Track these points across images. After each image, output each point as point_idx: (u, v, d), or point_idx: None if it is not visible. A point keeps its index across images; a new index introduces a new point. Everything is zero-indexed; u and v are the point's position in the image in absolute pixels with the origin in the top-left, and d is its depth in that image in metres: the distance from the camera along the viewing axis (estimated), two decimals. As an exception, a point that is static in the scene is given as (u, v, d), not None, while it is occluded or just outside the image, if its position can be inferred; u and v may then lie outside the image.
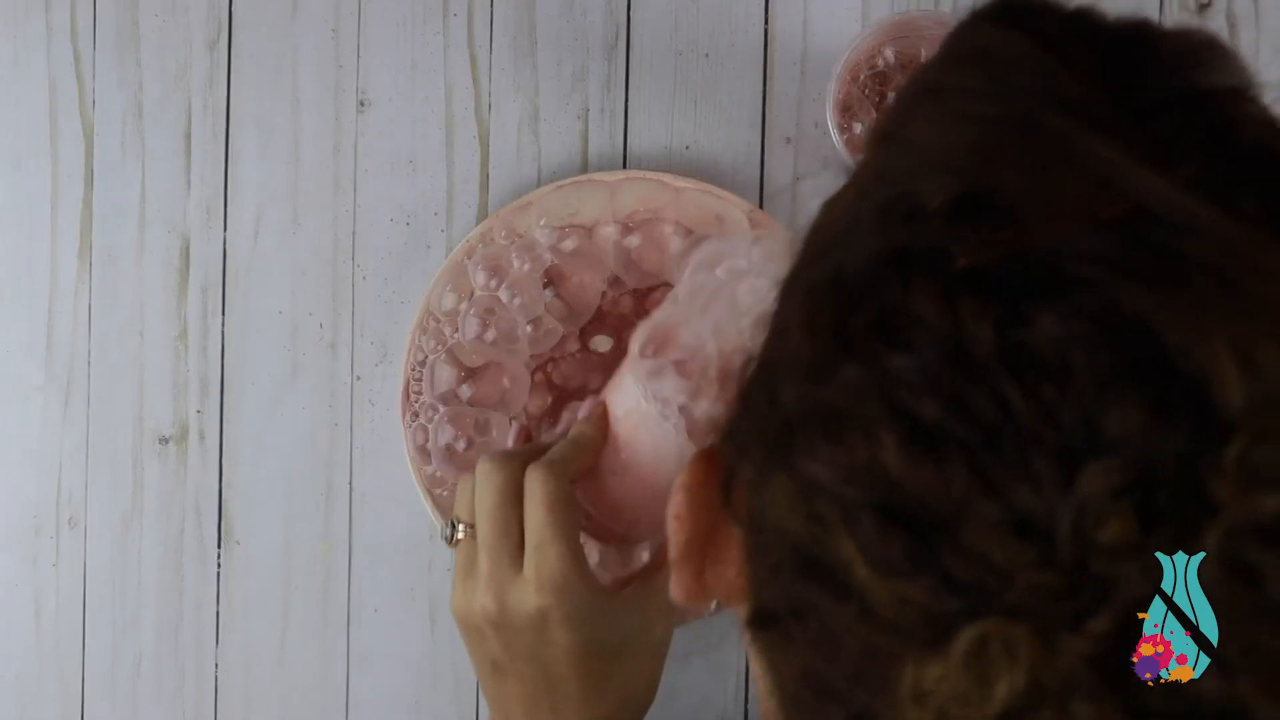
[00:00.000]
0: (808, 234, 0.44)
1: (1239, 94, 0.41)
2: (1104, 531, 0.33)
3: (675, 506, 0.46)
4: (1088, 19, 0.43)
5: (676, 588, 0.47)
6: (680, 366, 0.69)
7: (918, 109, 0.43)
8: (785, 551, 0.39)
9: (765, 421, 0.40)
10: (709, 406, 0.67)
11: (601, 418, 0.71)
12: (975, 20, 0.44)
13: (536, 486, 0.66)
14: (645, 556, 0.81)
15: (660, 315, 0.71)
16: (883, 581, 0.35)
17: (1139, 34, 0.42)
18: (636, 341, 0.71)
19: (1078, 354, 0.34)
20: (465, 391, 0.84)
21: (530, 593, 0.65)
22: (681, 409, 0.68)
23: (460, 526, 0.69)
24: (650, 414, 0.68)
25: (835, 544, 0.36)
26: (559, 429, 0.73)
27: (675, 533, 0.46)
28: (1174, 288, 0.34)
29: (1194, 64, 0.41)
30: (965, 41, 0.44)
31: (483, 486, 0.67)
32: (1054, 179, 0.37)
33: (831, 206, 0.44)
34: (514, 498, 0.67)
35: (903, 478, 0.35)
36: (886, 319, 0.37)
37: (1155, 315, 0.34)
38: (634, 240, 0.84)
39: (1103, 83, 0.40)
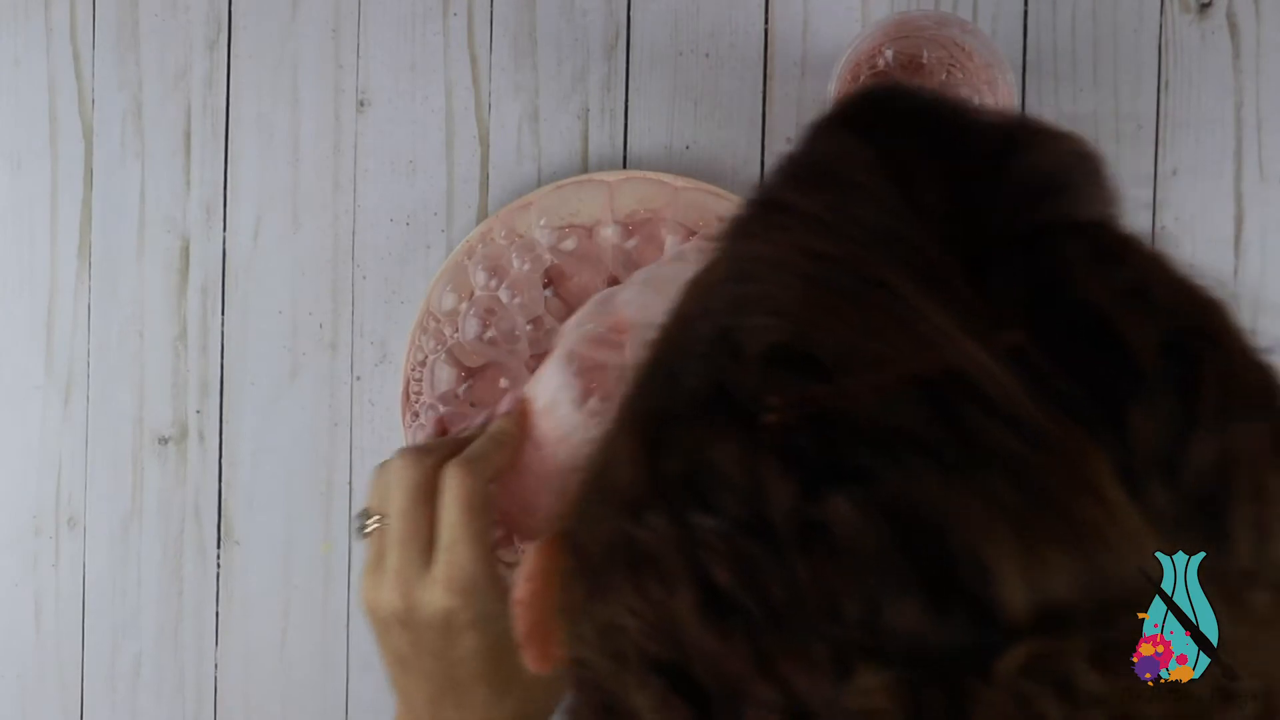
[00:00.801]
0: (667, 316, 0.44)
1: (1092, 232, 0.39)
2: None
3: (518, 593, 0.46)
4: (952, 123, 0.42)
5: (528, 659, 0.46)
6: (603, 371, 0.68)
7: (762, 221, 0.42)
8: (589, 688, 0.39)
9: (590, 541, 0.40)
10: None
11: (523, 414, 0.70)
12: (834, 121, 0.43)
13: (453, 485, 0.65)
14: None
15: (590, 310, 0.70)
16: None
17: (1004, 144, 0.41)
18: (568, 334, 0.70)
19: (866, 541, 0.33)
20: (465, 391, 0.84)
21: (438, 593, 0.65)
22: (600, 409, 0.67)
23: (372, 518, 0.68)
24: (571, 410, 0.67)
25: (630, 694, 0.36)
26: (479, 420, 0.73)
27: (518, 618, 0.46)
28: (971, 482, 0.33)
29: (1051, 190, 0.40)
30: (819, 148, 0.43)
31: (396, 482, 0.66)
32: (874, 339, 0.36)
33: (686, 297, 0.43)
34: (427, 495, 0.66)
35: (694, 642, 0.35)
36: (697, 471, 0.36)
37: (947, 510, 0.33)
38: (633, 243, 0.84)
39: (950, 211, 0.38)
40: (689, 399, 0.38)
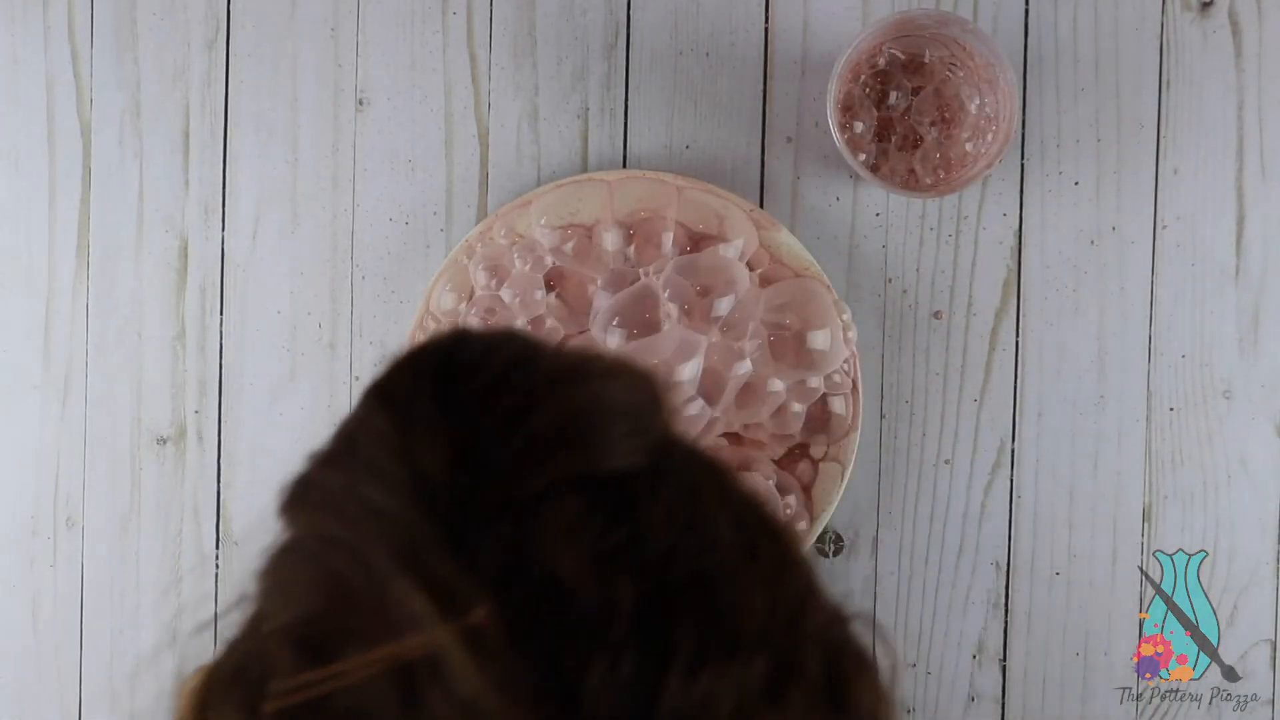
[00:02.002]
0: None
1: (589, 490, 0.40)
2: None
3: None
4: (489, 377, 0.43)
5: None
6: None
7: (297, 500, 0.44)
8: None
9: None
10: None
11: None
12: (372, 387, 0.44)
13: None
14: None
15: None
16: None
17: (527, 398, 0.41)
18: None
19: None
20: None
21: None
22: None
23: None
24: None
25: None
26: None
27: None
28: None
29: (561, 447, 0.40)
30: (353, 417, 0.44)
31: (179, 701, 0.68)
32: (359, 623, 0.37)
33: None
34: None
35: None
36: None
37: None
38: (633, 250, 0.84)
39: (452, 480, 0.39)
40: (227, 674, 0.41)
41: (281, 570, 0.42)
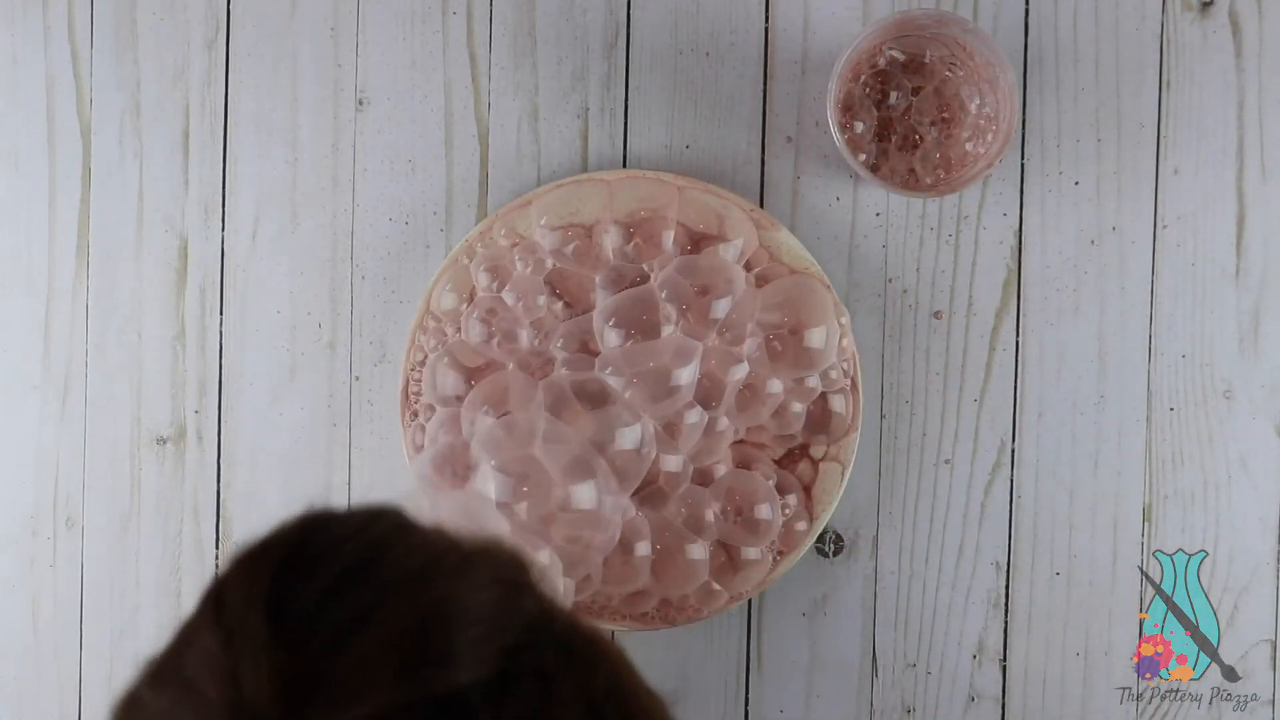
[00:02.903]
0: None
1: (396, 712, 0.39)
2: None
3: None
4: (333, 586, 0.42)
5: None
6: None
7: (127, 718, 0.43)
8: None
9: None
10: None
11: None
12: (208, 593, 0.43)
13: None
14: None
15: None
16: None
17: (362, 610, 0.40)
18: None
19: None
20: (466, 392, 0.84)
21: None
22: None
23: None
24: None
25: None
26: None
27: None
28: None
29: (376, 679, 0.39)
30: (186, 626, 0.43)
31: None
32: None
33: None
34: None
35: None
36: None
37: None
38: (632, 250, 0.84)
39: (273, 709, 0.38)
40: None
41: None
